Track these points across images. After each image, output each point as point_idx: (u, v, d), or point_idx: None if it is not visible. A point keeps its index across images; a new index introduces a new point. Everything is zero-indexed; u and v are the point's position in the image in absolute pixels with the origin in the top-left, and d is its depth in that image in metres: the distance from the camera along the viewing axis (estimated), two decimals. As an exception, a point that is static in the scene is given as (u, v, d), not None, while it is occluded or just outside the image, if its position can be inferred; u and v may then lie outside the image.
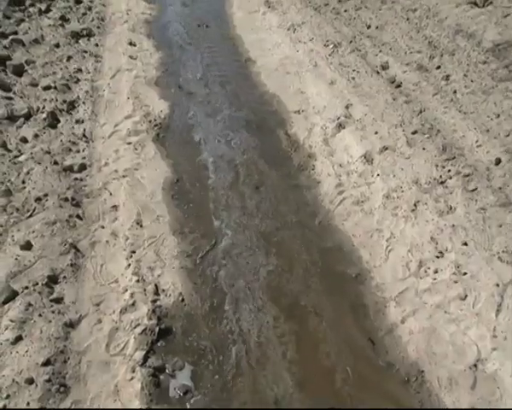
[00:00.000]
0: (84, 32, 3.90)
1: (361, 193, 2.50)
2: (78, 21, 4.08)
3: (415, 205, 2.34)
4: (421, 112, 2.94)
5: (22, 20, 3.84)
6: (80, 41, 3.79)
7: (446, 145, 2.65)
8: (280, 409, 1.56)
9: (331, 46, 3.81)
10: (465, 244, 2.12)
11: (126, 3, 4.63)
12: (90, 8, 4.35)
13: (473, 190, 2.35)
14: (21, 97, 2.98)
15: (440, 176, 2.47)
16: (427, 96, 3.07)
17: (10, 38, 3.50)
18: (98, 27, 4.07)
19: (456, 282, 2.00)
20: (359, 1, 4.46)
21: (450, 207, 2.30)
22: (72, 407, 1.50)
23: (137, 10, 4.56)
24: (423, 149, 2.64)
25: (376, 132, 2.81)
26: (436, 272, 2.07)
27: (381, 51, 3.63)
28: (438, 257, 2.11)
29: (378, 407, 1.66)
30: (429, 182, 2.45)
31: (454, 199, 2.32)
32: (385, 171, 2.55)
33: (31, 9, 4.04)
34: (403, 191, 2.43)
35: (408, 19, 3.96)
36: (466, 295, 1.94)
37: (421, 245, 2.16)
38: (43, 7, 4.11)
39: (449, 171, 2.49)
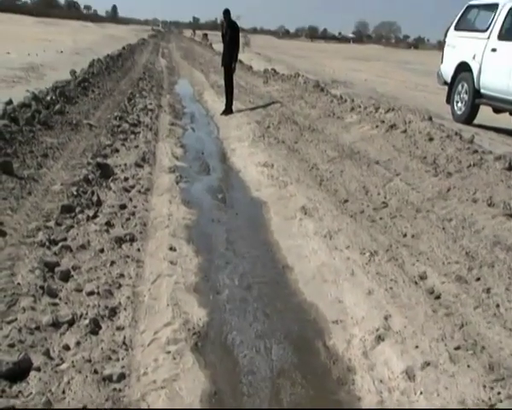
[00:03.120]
0: (128, 238, 4.56)
1: (405, 413, 2.69)
2: (122, 227, 4.79)
3: (463, 430, 2.50)
4: (462, 326, 3.23)
5: (71, 227, 4.55)
6: (123, 246, 4.42)
7: (493, 364, 2.87)
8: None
9: (368, 254, 4.31)
10: None
11: (168, 208, 5.42)
12: (133, 214, 5.12)
13: (527, 418, 2.51)
14: (66, 303, 3.46)
15: (489, 398, 2.64)
16: (468, 308, 3.40)
17: (60, 244, 4.15)
18: (141, 232, 4.75)
19: None
20: (394, 209, 5.12)
21: (502, 436, 2.44)
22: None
23: (178, 215, 5.31)
24: (468, 366, 2.87)
25: (417, 346, 3.09)
26: None
27: (418, 261, 4.09)
28: None
29: None
30: (477, 404, 2.63)
31: (506, 426, 2.47)
32: (428, 389, 2.76)
33: (80, 216, 4.80)
34: (449, 413, 2.61)
35: (444, 228, 4.50)
36: None
37: None
38: (91, 213, 4.88)
39: (498, 393, 2.66)
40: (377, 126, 7.91)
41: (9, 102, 7.79)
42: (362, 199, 5.53)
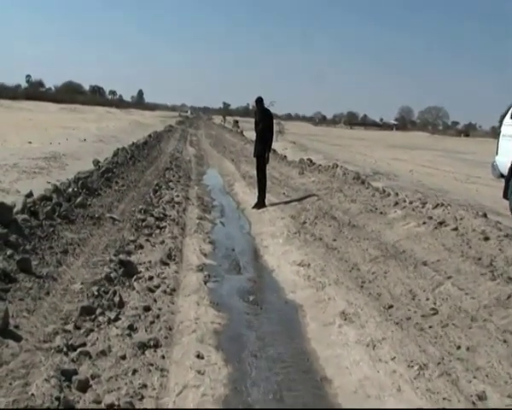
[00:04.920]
0: (151, 343, 4.67)
1: None
2: (146, 331, 4.91)
3: None
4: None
5: (91, 330, 4.70)
6: (147, 352, 4.52)
7: None
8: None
9: (416, 368, 4.29)
10: None
11: (195, 311, 5.54)
12: (158, 317, 5.25)
13: None
14: (84, 415, 3.55)
15: None
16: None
17: (79, 350, 4.27)
18: (166, 337, 4.86)
19: None
20: (445, 316, 5.12)
21: None
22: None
23: (206, 319, 5.42)
24: None
25: None
26: None
27: (475, 377, 4.05)
28: None
29: None
30: None
31: None
32: None
33: (100, 318, 4.96)
34: None
35: (505, 341, 4.45)
36: None
37: None
38: (113, 315, 5.04)
39: None
40: (424, 223, 8.02)
41: (30, 195, 8.26)
42: (408, 304, 5.55)
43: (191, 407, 3.77)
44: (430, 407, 3.42)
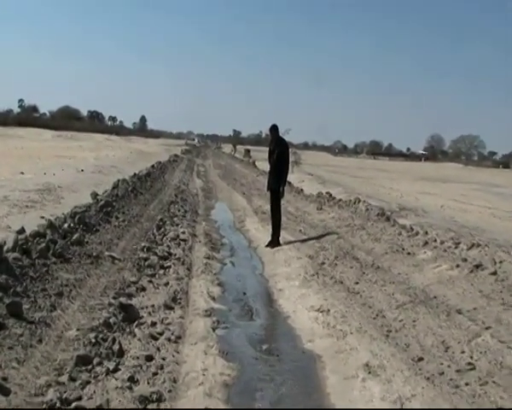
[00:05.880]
0: (154, 397, 4.65)
1: None
2: (148, 383, 4.90)
3: None
4: None
5: (88, 382, 4.69)
6: (149, 407, 4.49)
7: None
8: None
9: (451, 433, 4.25)
10: None
11: (202, 361, 5.53)
12: (161, 367, 5.24)
13: None
14: None
15: None
16: None
17: (74, 405, 4.26)
18: (170, 391, 4.84)
19: None
20: (484, 373, 5.05)
21: None
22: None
23: (214, 370, 5.40)
24: None
25: None
26: None
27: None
28: None
29: None
30: None
31: None
32: None
33: (98, 369, 4.96)
34: None
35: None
36: None
37: None
38: (112, 366, 5.04)
39: None
40: (458, 266, 7.99)
41: (21, 231, 8.30)
42: (441, 357, 5.51)
43: None
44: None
